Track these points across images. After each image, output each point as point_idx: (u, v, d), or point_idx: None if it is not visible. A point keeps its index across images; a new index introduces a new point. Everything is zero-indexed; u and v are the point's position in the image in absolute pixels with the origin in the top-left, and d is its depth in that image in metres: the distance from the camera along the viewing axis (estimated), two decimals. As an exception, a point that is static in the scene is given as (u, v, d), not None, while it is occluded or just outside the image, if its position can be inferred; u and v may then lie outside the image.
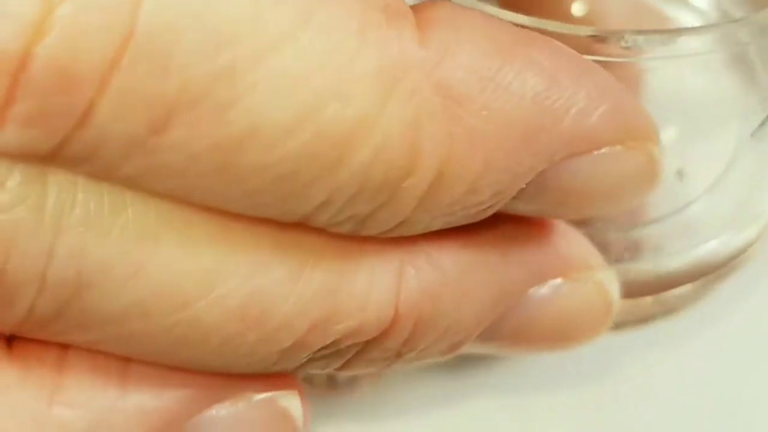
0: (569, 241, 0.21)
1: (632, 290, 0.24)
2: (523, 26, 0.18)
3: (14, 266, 0.17)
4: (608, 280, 0.21)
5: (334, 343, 0.19)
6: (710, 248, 0.24)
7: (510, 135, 0.18)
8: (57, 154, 0.16)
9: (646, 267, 0.24)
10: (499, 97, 0.18)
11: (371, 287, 0.19)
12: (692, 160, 0.24)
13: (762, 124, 0.23)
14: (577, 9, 0.28)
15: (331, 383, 0.24)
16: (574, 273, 0.21)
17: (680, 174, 0.24)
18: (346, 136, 0.17)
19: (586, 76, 0.18)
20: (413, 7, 0.18)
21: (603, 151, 0.19)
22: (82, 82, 0.16)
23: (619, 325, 0.23)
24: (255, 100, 0.16)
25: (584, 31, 0.19)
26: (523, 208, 0.19)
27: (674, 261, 0.24)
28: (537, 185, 0.19)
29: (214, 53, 0.16)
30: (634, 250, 0.24)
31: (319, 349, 0.19)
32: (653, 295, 0.24)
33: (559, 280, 0.20)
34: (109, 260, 0.17)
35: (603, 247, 0.23)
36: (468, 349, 0.21)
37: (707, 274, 0.24)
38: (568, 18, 0.29)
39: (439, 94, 0.17)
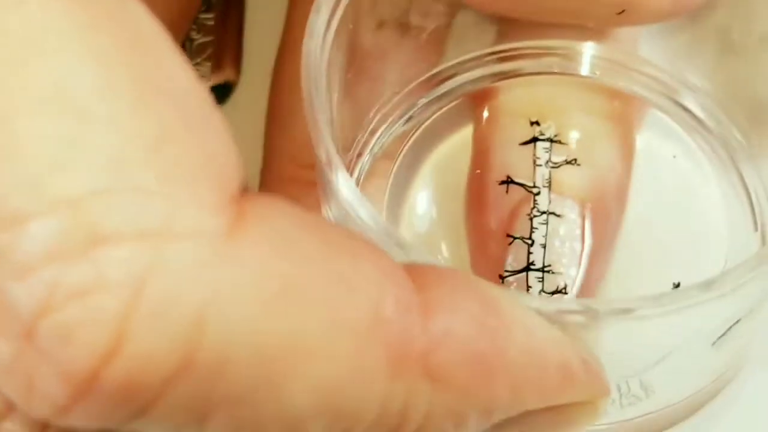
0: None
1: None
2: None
3: None
4: None
5: None
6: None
7: (480, 406, 0.20)
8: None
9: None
10: (477, 380, 0.20)
11: None
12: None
13: (722, 336, 0.24)
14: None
15: None
16: None
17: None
18: (355, 414, 0.19)
19: (555, 353, 0.21)
20: (415, 274, 0.20)
21: (555, 407, 0.21)
22: (140, 396, 0.18)
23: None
24: (286, 396, 0.18)
25: (552, 305, 0.22)
26: None
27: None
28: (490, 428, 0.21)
29: (258, 370, 0.18)
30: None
31: None
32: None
33: None
34: None
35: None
36: None
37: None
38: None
39: (430, 378, 0.20)
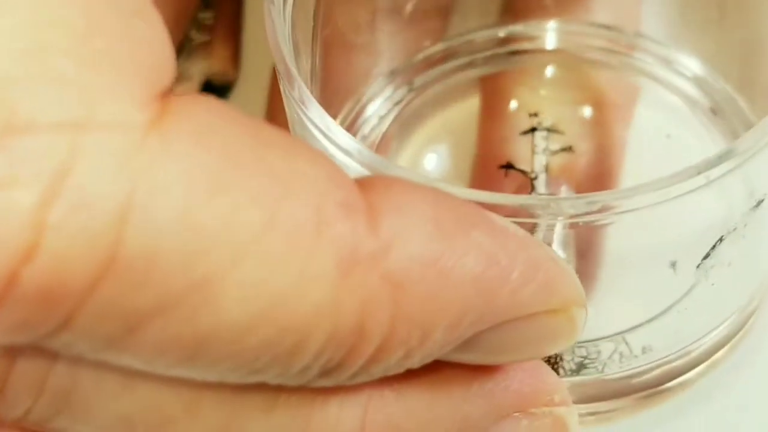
0: (532, 375, 0.22)
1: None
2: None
3: (18, 375, 0.18)
4: (568, 414, 0.22)
5: None
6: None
7: (447, 314, 0.19)
8: (34, 346, 0.18)
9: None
10: (440, 282, 0.19)
11: (339, 419, 0.20)
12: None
13: (705, 257, 0.24)
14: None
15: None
16: (534, 408, 0.22)
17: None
18: (302, 327, 0.18)
19: (521, 252, 0.20)
20: (363, 184, 0.19)
21: (529, 317, 0.20)
22: (64, 300, 0.17)
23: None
24: (222, 304, 0.17)
25: (516, 200, 0.22)
26: (449, 358, 0.20)
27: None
28: (464, 345, 0.20)
29: (188, 269, 0.17)
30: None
31: None
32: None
33: (518, 415, 0.22)
34: (102, 376, 0.19)
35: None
36: None
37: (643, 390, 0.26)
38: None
39: (385, 283, 0.19)
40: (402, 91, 0.31)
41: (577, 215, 0.22)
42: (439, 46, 0.31)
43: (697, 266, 0.24)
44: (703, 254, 0.24)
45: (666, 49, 0.31)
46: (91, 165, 0.16)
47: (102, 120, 0.17)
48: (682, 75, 0.31)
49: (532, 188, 0.29)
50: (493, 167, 0.30)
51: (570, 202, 0.21)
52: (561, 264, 0.21)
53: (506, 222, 0.20)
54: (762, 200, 0.23)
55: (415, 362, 0.20)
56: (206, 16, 0.33)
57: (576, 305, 0.21)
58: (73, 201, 0.16)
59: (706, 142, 0.30)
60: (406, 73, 0.31)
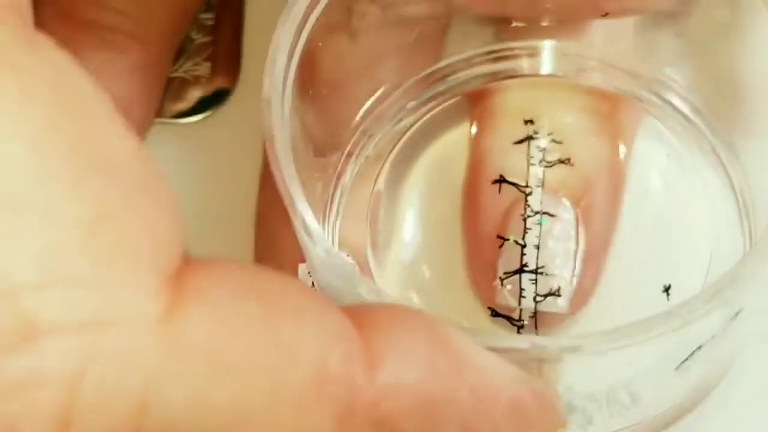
0: None
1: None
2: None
3: None
4: None
5: None
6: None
7: None
8: None
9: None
10: (429, 423, 0.20)
11: None
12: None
13: (685, 360, 0.24)
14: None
15: None
16: None
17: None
18: None
19: (508, 390, 0.21)
20: (362, 320, 0.20)
21: None
22: None
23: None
24: None
25: (503, 343, 0.22)
26: None
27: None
28: None
29: None
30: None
31: None
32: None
33: None
34: None
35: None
36: None
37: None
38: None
39: (380, 426, 0.20)
40: (399, 116, 0.30)
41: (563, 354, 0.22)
42: (435, 67, 0.31)
43: (676, 368, 0.25)
44: (683, 359, 0.24)
45: (658, 73, 0.30)
46: (110, 361, 0.18)
47: (118, 317, 0.18)
48: (673, 97, 0.30)
49: (526, 204, 0.29)
50: (484, 182, 0.29)
51: (555, 344, 0.22)
52: (546, 394, 0.22)
53: (494, 358, 0.21)
54: (739, 311, 0.24)
55: None
56: (207, 17, 0.33)
57: (557, 429, 0.22)
58: (96, 397, 0.17)
59: (699, 163, 0.30)
60: (404, 97, 0.30)
